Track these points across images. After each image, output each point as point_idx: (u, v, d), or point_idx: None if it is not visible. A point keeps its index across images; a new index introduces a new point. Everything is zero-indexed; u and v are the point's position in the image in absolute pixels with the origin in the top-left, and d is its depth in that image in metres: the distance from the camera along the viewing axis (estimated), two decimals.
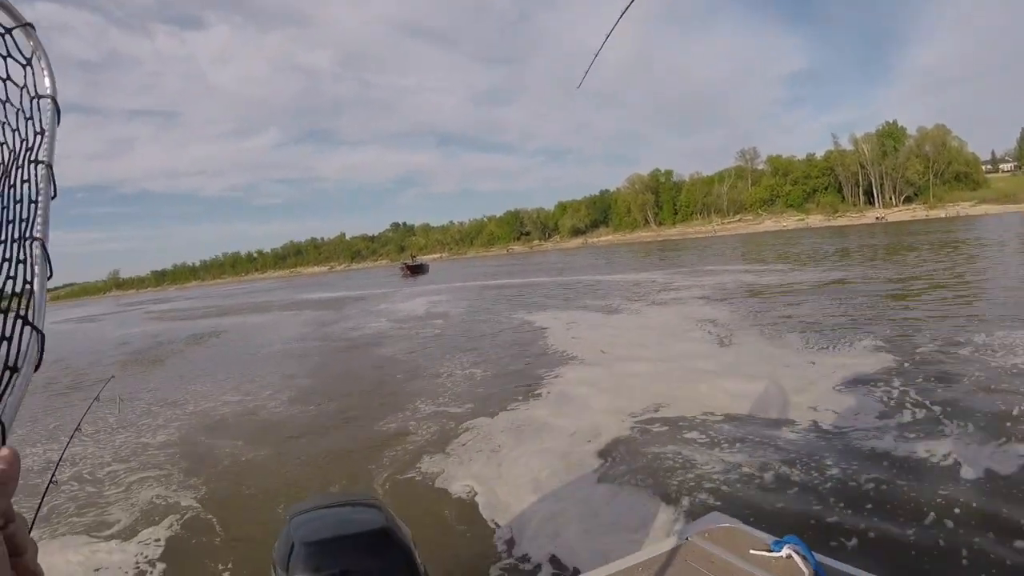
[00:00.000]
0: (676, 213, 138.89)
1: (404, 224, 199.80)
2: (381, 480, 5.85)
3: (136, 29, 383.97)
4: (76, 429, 3.77)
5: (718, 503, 4.30)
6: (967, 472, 4.52)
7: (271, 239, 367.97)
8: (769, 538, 2.53)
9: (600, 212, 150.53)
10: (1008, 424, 5.37)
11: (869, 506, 4.24)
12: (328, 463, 6.56)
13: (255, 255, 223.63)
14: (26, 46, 0.90)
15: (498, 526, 4.61)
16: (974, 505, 4.08)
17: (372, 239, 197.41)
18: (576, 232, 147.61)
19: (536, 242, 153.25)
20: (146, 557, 5.02)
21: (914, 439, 5.28)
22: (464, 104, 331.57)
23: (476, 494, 5.26)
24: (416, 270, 65.01)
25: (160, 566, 4.85)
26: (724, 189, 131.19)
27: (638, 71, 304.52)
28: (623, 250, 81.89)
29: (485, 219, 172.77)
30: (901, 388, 6.73)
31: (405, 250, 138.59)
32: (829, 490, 4.54)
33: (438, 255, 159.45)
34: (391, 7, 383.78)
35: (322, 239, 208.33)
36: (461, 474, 5.72)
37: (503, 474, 5.59)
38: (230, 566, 4.59)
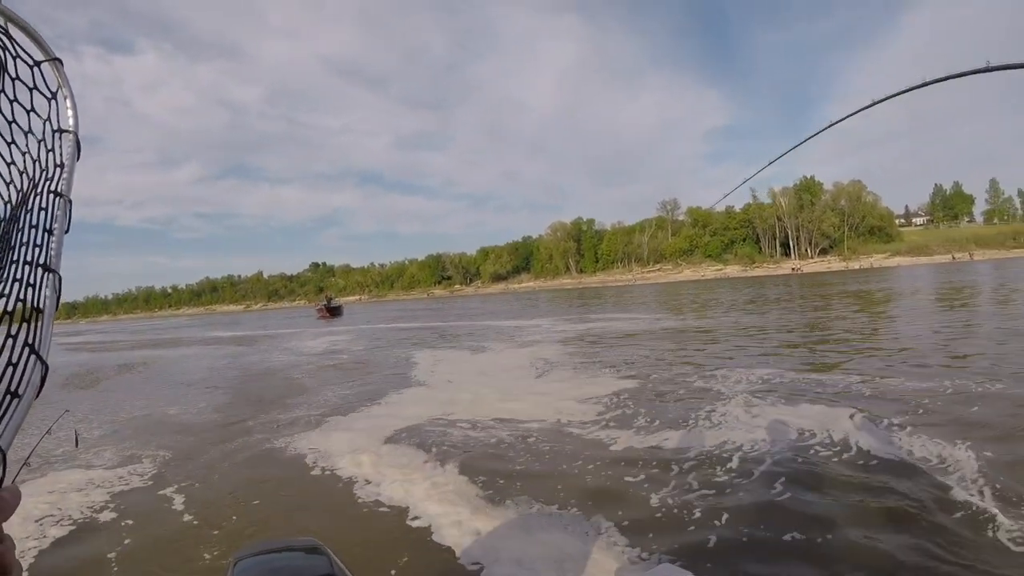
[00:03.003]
0: (597, 261, 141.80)
1: (324, 264, 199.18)
2: (276, 445, 8.95)
3: (63, 49, 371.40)
4: (24, 463, 4.17)
5: (665, 549, 4.62)
6: (625, 446, 7.58)
7: (187, 275, 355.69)
8: None
9: (522, 258, 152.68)
10: (687, 423, 8.69)
11: (545, 457, 7.54)
12: (243, 443, 9.39)
13: (170, 291, 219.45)
14: (52, 79, 0.96)
15: (316, 452, 7.88)
16: (621, 459, 7.43)
17: (290, 279, 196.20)
18: (498, 278, 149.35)
19: (457, 286, 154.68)
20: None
21: (611, 428, 8.48)
22: (390, 147, 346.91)
23: (313, 448, 8.51)
24: (334, 312, 66.38)
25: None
26: (645, 239, 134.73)
27: (566, 121, 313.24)
28: (543, 296, 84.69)
29: (407, 262, 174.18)
30: (624, 400, 10.10)
31: (323, 291, 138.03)
32: (539, 452, 7.66)
33: (357, 297, 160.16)
34: (325, 46, 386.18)
35: (239, 277, 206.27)
36: (307, 440, 8.94)
37: (332, 440, 8.88)
38: None
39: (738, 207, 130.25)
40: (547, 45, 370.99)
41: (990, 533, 4.40)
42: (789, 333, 18.31)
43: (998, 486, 5.16)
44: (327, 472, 7.47)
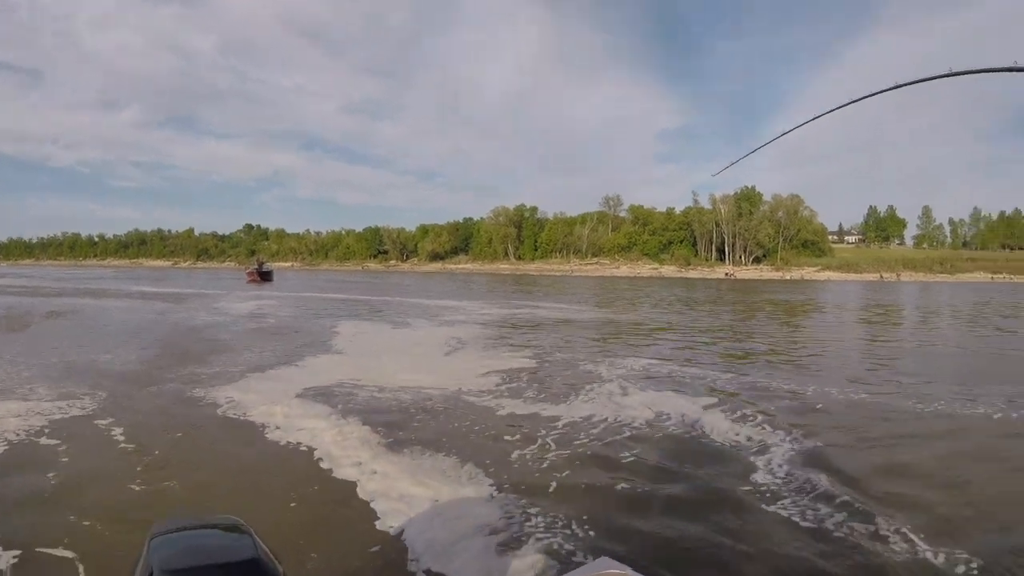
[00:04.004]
0: (536, 249, 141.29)
1: (258, 227, 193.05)
2: (198, 394, 9.80)
3: None
4: None
5: (604, 541, 4.75)
6: (508, 412, 8.74)
7: (118, 225, 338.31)
8: None
9: (462, 239, 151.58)
10: (566, 398, 9.94)
11: (440, 417, 8.59)
12: (169, 390, 10.26)
13: (96, 240, 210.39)
14: None
15: (233, 402, 8.74)
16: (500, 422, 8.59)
17: (222, 238, 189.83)
18: (436, 256, 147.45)
19: (394, 262, 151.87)
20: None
21: (502, 398, 9.62)
22: (340, 111, 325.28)
23: (231, 399, 9.37)
24: (264, 276, 65.49)
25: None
26: (585, 231, 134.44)
27: (519, 107, 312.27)
28: (479, 279, 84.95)
29: (344, 232, 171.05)
30: (520, 376, 11.27)
31: (255, 254, 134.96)
32: (435, 412, 8.72)
33: (290, 263, 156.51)
34: (287, 2, 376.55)
35: (170, 232, 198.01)
36: (227, 392, 9.88)
37: (250, 393, 9.83)
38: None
39: (679, 209, 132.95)
40: (509, 27, 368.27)
41: (772, 508, 5.47)
42: (696, 331, 19.88)
43: (796, 471, 6.33)
44: (242, 418, 8.45)
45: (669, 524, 5.13)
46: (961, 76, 3.61)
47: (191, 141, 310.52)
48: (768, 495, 5.72)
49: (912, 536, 4.86)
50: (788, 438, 7.49)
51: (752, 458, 6.75)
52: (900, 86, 4.16)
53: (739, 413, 8.70)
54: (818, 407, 9.36)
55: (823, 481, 6.00)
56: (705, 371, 12.26)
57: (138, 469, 6.43)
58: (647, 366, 12.70)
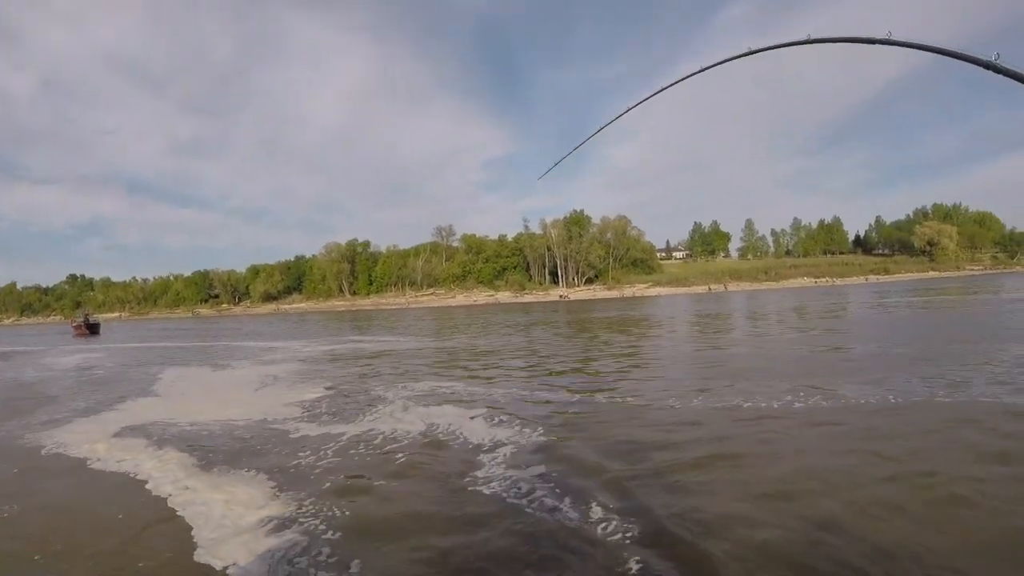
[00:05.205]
0: (371, 283, 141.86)
1: (83, 277, 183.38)
2: (26, 438, 10.83)
3: None
4: None
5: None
6: (302, 434, 10.43)
7: None
8: None
9: (295, 278, 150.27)
10: (354, 418, 11.73)
11: (244, 441, 10.26)
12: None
13: None
14: None
15: (57, 442, 10.03)
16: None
17: (46, 291, 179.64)
18: (269, 297, 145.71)
19: (225, 305, 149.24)
20: None
21: (299, 422, 11.30)
22: (163, 152, 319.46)
23: (56, 440, 10.49)
24: (92, 329, 64.38)
25: None
26: (419, 263, 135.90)
27: (347, 140, 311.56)
28: (313, 317, 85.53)
29: (172, 278, 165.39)
30: (319, 404, 12.93)
31: (81, 306, 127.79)
32: (240, 438, 10.32)
33: (118, 314, 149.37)
34: (107, 38, 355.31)
35: None
36: (52, 435, 10.97)
37: (75, 434, 11.13)
38: None
39: (511, 236, 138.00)
40: (335, 60, 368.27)
41: (486, 489, 7.25)
42: (505, 352, 22.26)
43: (518, 459, 8.28)
44: (66, 455, 9.80)
45: (404, 508, 6.99)
46: (816, 44, 4.03)
47: (6, 187, 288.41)
48: (485, 479, 7.52)
49: (587, 506, 6.31)
50: (531, 436, 9.42)
51: (483, 455, 8.59)
52: (754, 52, 4.45)
53: (496, 420, 10.62)
54: (572, 409, 11.39)
55: (534, 469, 7.80)
56: (482, 388, 14.21)
57: None
58: (430, 387, 14.67)
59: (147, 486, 7.98)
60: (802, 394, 11.28)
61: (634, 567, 4.97)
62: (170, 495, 7.52)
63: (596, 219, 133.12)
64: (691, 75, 4.44)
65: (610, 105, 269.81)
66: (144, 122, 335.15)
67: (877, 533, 5.33)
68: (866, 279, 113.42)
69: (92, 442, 10.47)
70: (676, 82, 4.70)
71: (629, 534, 5.56)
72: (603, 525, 5.79)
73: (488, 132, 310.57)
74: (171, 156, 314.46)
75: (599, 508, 6.22)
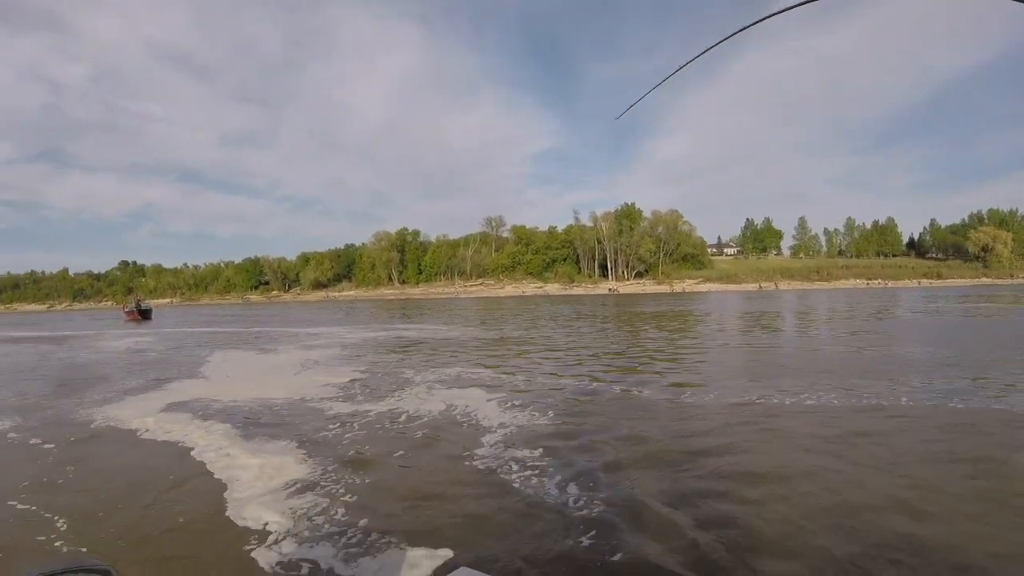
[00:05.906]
0: (421, 272, 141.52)
1: (134, 263, 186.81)
2: (81, 413, 11.85)
3: None
4: None
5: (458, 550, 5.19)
6: (336, 412, 11.34)
7: None
8: None
9: (344, 266, 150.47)
10: (383, 397, 12.62)
11: (282, 416, 11.21)
12: (56, 411, 12.33)
13: None
14: None
15: (110, 417, 11.06)
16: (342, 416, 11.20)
17: (98, 277, 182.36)
18: (318, 285, 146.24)
19: (276, 292, 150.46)
20: None
21: (333, 401, 12.20)
22: (214, 142, 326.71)
23: (108, 415, 11.55)
24: (144, 314, 65.04)
25: None
26: (469, 253, 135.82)
27: (397, 132, 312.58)
28: (362, 305, 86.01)
29: (222, 264, 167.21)
30: (353, 386, 13.84)
31: (133, 292, 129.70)
32: (278, 414, 11.27)
33: (169, 300, 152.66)
34: (157, 29, 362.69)
35: (43, 273, 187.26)
36: (105, 410, 12.03)
37: (125, 409, 12.17)
38: None
39: (560, 227, 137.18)
40: (385, 52, 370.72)
41: (486, 464, 8.22)
42: (540, 344, 22.76)
43: (514, 441, 9.02)
44: (117, 427, 10.81)
45: (413, 477, 7.89)
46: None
47: (60, 177, 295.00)
48: (489, 456, 8.23)
49: (561, 485, 6.95)
50: (540, 422, 10.07)
51: (487, 436, 9.26)
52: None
53: (509, 404, 11.31)
54: (586, 398, 11.83)
55: (537, 450, 8.34)
56: (505, 375, 14.86)
57: (32, 468, 8.70)
58: (456, 372, 15.55)
59: (192, 452, 8.87)
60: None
61: (621, 557, 5.61)
62: (211, 460, 8.39)
63: (647, 213, 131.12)
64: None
65: (662, 98, 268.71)
66: (195, 112, 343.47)
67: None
68: (918, 283, 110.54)
69: (142, 416, 11.49)
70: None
71: (620, 516, 5.92)
72: (597, 506, 6.19)
73: (536, 125, 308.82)
74: (222, 145, 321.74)
75: (591, 490, 6.65)
